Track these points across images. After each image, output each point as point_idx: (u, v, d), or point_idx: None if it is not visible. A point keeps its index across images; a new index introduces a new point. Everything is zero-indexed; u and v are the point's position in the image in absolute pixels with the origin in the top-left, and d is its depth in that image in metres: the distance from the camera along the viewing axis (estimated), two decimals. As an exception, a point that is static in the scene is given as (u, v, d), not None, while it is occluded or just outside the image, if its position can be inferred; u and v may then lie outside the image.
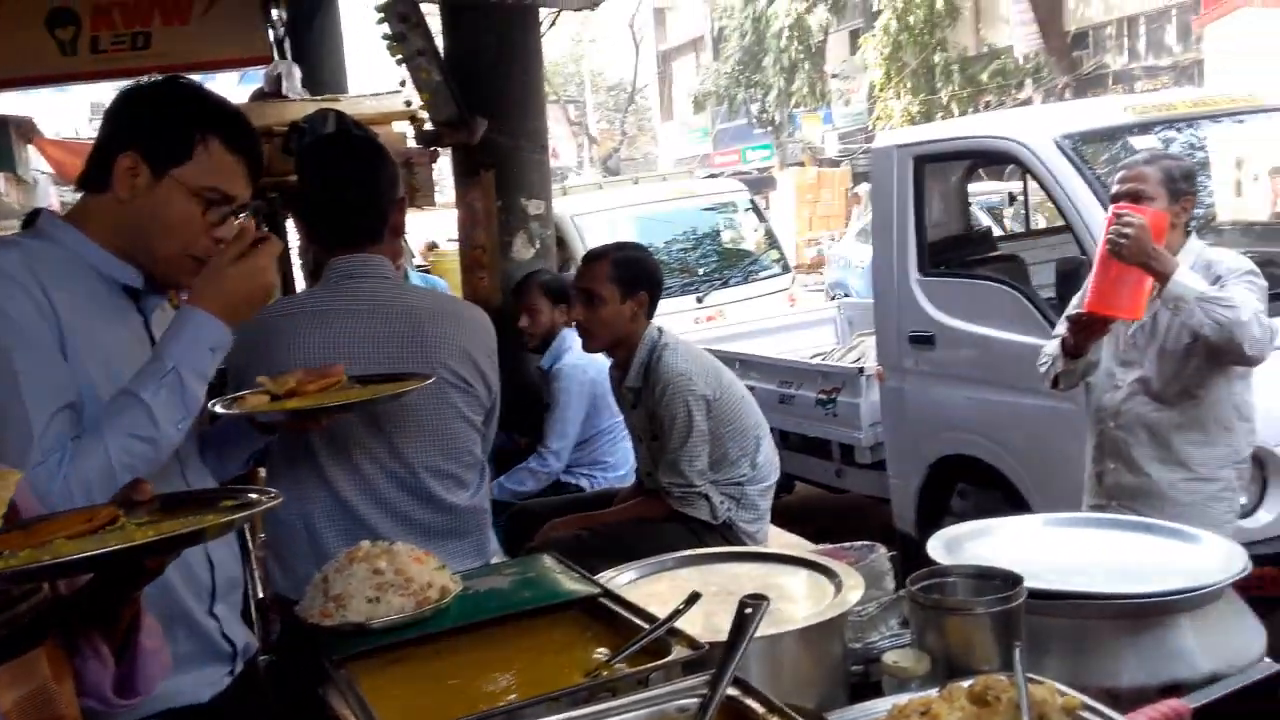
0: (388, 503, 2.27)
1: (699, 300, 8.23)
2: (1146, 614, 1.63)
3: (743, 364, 5.90)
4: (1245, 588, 1.65)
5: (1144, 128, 4.51)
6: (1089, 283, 3.08)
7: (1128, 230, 2.89)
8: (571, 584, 1.72)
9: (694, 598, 1.50)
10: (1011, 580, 1.59)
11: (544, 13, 5.25)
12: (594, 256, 3.22)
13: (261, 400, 1.87)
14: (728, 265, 9.02)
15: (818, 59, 29.13)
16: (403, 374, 2.12)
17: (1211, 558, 1.78)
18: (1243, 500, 3.68)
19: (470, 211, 4.97)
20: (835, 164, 26.94)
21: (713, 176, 13.94)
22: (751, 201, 9.76)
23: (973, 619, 1.55)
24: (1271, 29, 13.14)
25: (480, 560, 2.38)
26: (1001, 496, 4.45)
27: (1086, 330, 3.11)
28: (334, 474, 2.25)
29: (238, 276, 1.66)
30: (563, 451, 4.46)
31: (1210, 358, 3.04)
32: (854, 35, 28.47)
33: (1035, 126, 4.49)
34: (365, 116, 4.37)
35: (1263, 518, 3.76)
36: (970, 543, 1.94)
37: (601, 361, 4.62)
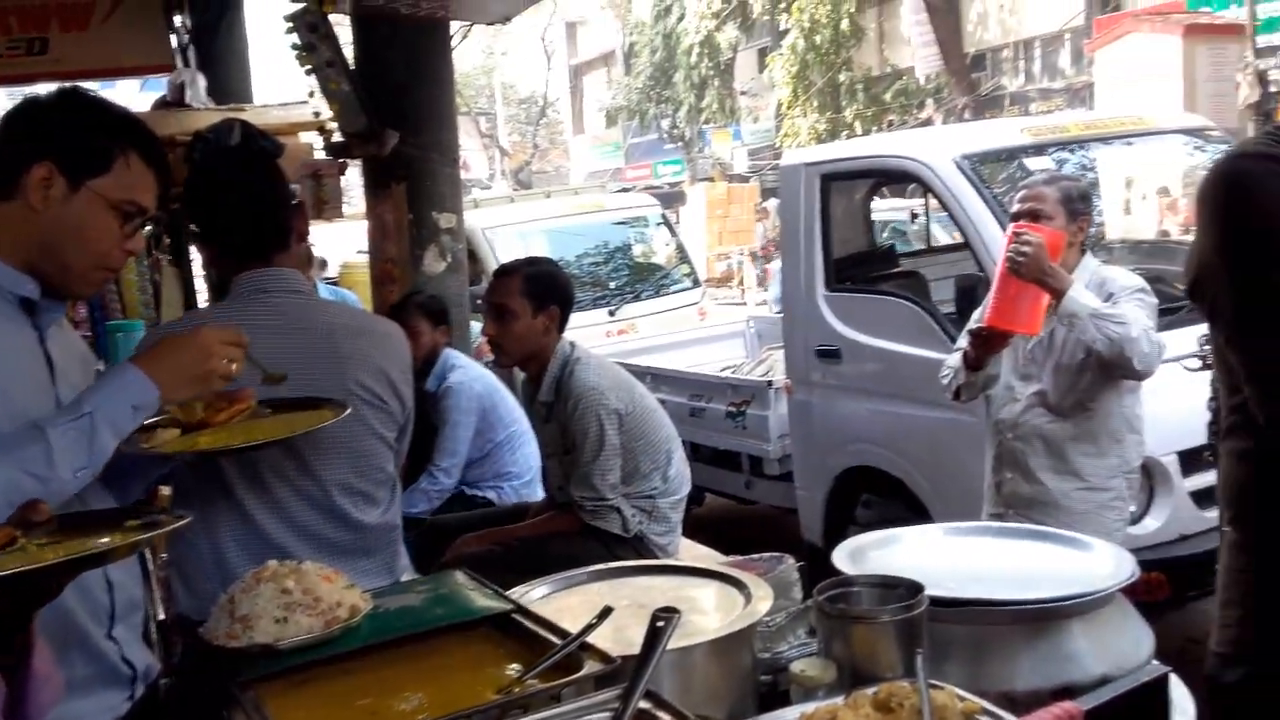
0: (296, 521, 2.23)
1: (610, 314, 8.26)
2: (1041, 619, 1.67)
3: (654, 377, 5.95)
4: (1133, 592, 1.71)
5: (1039, 149, 4.67)
6: (989, 298, 3.19)
7: (1025, 248, 2.99)
8: (483, 600, 1.72)
9: (606, 612, 1.51)
10: (914, 589, 1.62)
11: (456, 26, 5.24)
12: (505, 271, 3.22)
13: (172, 435, 1.82)
14: (639, 279, 9.07)
15: (727, 76, 29.49)
16: (316, 399, 2.08)
17: (1102, 564, 1.83)
18: (1132, 508, 3.83)
19: (381, 224, 4.93)
20: (744, 179, 27.27)
21: (624, 191, 14.01)
22: (663, 216, 9.84)
23: (877, 627, 1.58)
24: (1158, 54, 13.71)
25: (390, 578, 2.35)
26: (904, 506, 4.55)
27: (986, 344, 3.21)
28: (241, 491, 2.20)
29: (192, 350, 1.67)
30: (453, 469, 4.43)
31: (1102, 372, 3.16)
32: (762, 54, 28.89)
33: (936, 147, 4.62)
34: (272, 127, 4.28)
35: (1150, 525, 3.91)
36: (874, 552, 1.97)
37: (488, 375, 4.63)
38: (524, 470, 4.56)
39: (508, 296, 3.11)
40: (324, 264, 9.43)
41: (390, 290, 4.97)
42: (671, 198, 23.68)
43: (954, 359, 3.40)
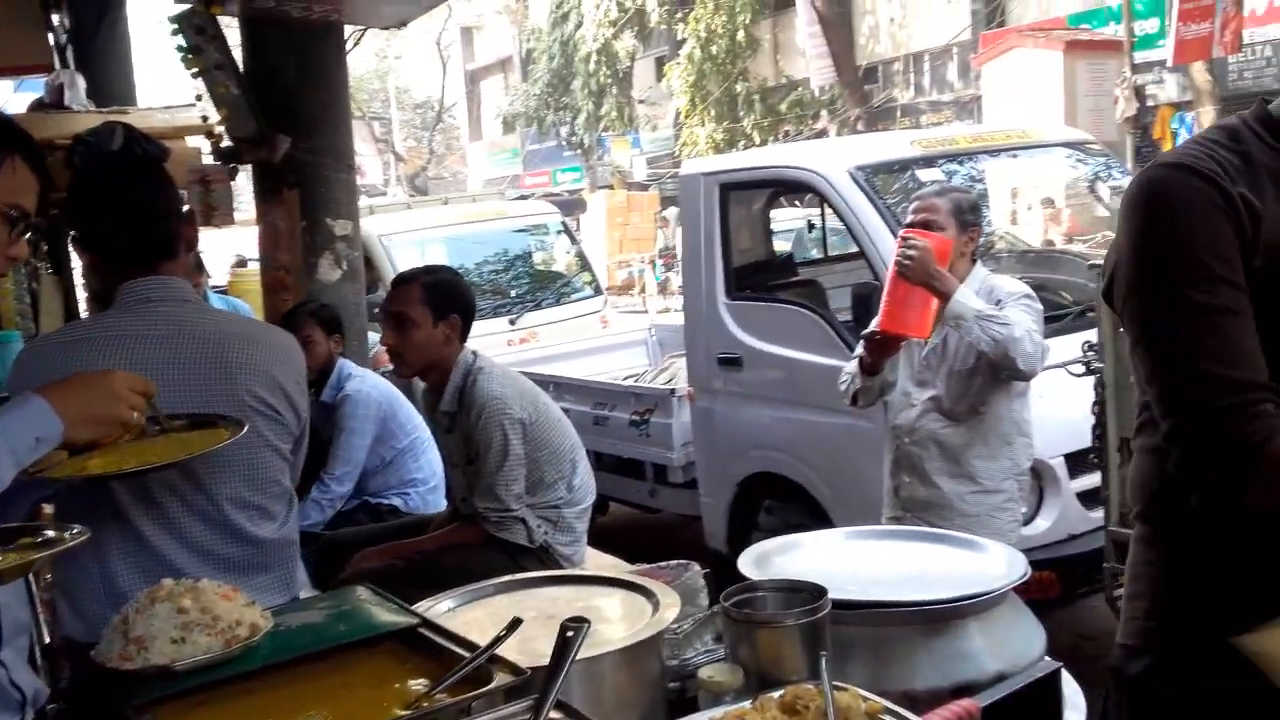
0: (189, 538, 2.16)
1: (511, 322, 8.21)
2: (938, 620, 1.70)
3: (557, 386, 5.93)
4: (1025, 591, 1.76)
5: (930, 160, 4.81)
6: (882, 304, 3.28)
7: (912, 252, 3.11)
8: (388, 615, 1.69)
9: (515, 624, 1.49)
10: (818, 593, 1.65)
11: (349, 29, 5.16)
12: (404, 280, 3.18)
13: (60, 457, 1.74)
14: (540, 287, 9.04)
15: (625, 84, 29.61)
16: (209, 416, 2.03)
17: (995, 565, 1.88)
18: (1023, 510, 3.96)
19: (273, 231, 4.82)
20: (644, 188, 27.42)
21: (523, 198, 13.92)
22: (563, 223, 9.83)
23: (782, 631, 1.60)
24: (1041, 68, 14.20)
25: (288, 595, 2.30)
26: (805, 511, 4.62)
27: (880, 348, 3.30)
28: (130, 508, 2.12)
29: (101, 392, 1.65)
30: (345, 477, 4.35)
31: (992, 376, 3.27)
32: (660, 62, 29.07)
33: (831, 158, 4.72)
34: (157, 131, 4.17)
35: (1040, 525, 4.04)
36: (779, 557, 2.00)
37: (385, 383, 4.56)
38: (429, 476, 4.51)
39: (407, 305, 3.07)
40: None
41: (283, 299, 4.87)
42: (571, 205, 23.70)
43: (851, 365, 3.48)
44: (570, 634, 1.37)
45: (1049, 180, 5.88)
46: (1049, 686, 1.64)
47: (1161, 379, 1.34)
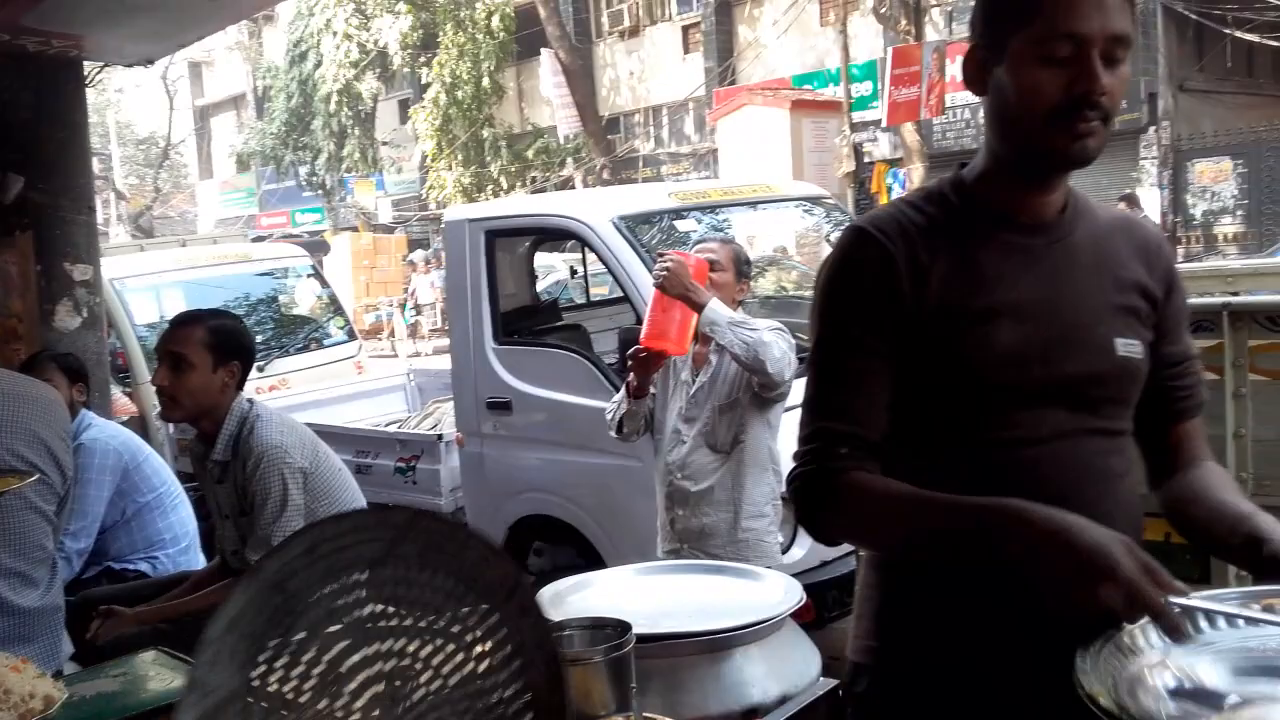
0: (-53, 610, 2.01)
1: (260, 369, 7.88)
2: (726, 647, 1.81)
3: (316, 434, 5.75)
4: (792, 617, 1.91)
5: (686, 211, 5.07)
6: (645, 323, 3.49)
7: (669, 264, 3.33)
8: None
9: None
10: (622, 628, 1.72)
11: (89, 65, 4.88)
12: (186, 320, 3.04)
13: None
14: (289, 333, 8.74)
15: (368, 125, 29.12)
16: None
17: (773, 592, 2.02)
18: (780, 539, 4.21)
19: (3, 276, 4.47)
20: (390, 230, 26.98)
21: (261, 239, 13.40)
22: (313, 267, 9.56)
23: (592, 667, 1.65)
24: (770, 125, 15.09)
25: (53, 666, 2.16)
26: (576, 551, 4.71)
27: (643, 365, 3.47)
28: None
29: None
30: (82, 532, 4.04)
31: (752, 406, 3.48)
32: (404, 105, 28.82)
33: (596, 208, 4.87)
34: None
35: (796, 553, 4.29)
36: (572, 596, 2.06)
37: (128, 433, 4.30)
38: (180, 535, 4.25)
39: (187, 346, 2.93)
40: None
41: (15, 349, 4.51)
42: (313, 247, 22.96)
43: (618, 397, 3.64)
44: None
45: (784, 231, 6.31)
46: (827, 704, 1.77)
47: (801, 412, 1.48)
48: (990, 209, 1.45)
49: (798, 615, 3.78)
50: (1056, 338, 1.41)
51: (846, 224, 1.55)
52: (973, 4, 1.48)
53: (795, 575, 4.12)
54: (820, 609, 4.13)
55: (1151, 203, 15.91)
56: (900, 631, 1.52)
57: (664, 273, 3.32)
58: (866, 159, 18.11)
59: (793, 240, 6.38)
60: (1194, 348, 1.60)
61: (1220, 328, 2.85)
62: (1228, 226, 16.62)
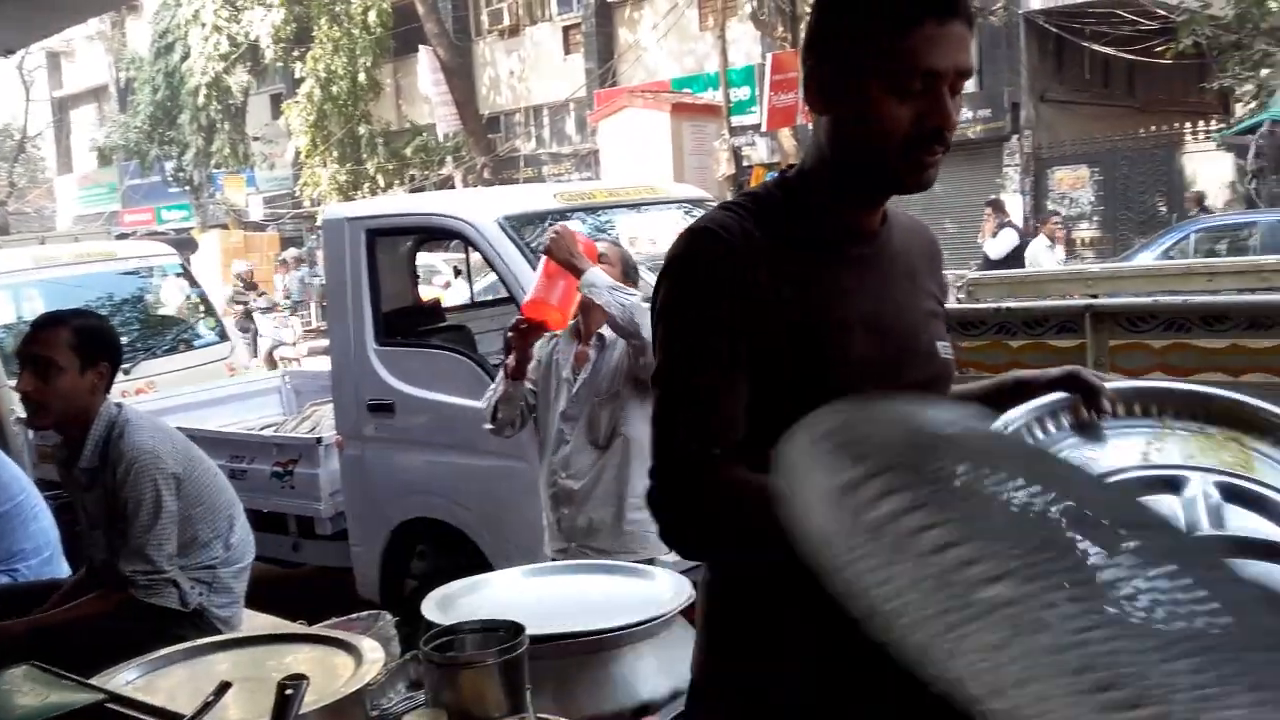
0: None
1: (125, 372, 7.55)
2: (617, 645, 1.83)
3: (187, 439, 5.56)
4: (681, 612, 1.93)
5: (571, 212, 5.07)
6: (529, 293, 3.57)
7: (558, 231, 3.43)
8: (65, 694, 1.56)
9: (223, 688, 1.45)
10: (515, 630, 1.72)
11: (-60, 52, 4.63)
12: (50, 321, 2.90)
13: None
14: (155, 334, 8.42)
15: (239, 120, 28.29)
16: None
17: (663, 589, 2.05)
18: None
19: None
20: (261, 228, 26.25)
21: (124, 237, 12.88)
22: (181, 266, 9.23)
23: (485, 670, 1.64)
24: (650, 127, 15.18)
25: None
26: (461, 554, 4.66)
27: (523, 337, 3.51)
28: None
29: None
30: None
31: (634, 395, 3.51)
32: (276, 100, 28.09)
33: (480, 208, 4.83)
34: None
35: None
36: (462, 599, 2.05)
37: None
38: (42, 546, 4.04)
39: (53, 349, 2.80)
40: None
41: None
42: (181, 245, 22.16)
43: (494, 383, 3.66)
44: (289, 691, 1.36)
45: (665, 233, 6.37)
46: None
47: (653, 426, 1.43)
48: (822, 217, 1.45)
49: (688, 611, 3.84)
50: (898, 346, 1.44)
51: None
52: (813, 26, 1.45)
53: (686, 571, 4.19)
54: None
55: (1015, 208, 16.56)
56: (727, 654, 1.50)
57: (553, 235, 3.39)
58: (745, 163, 18.37)
59: (668, 244, 6.44)
60: None
61: (1083, 329, 3.00)
62: (1085, 231, 17.40)
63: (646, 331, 3.34)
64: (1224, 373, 2.87)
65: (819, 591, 1.28)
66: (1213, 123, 17.10)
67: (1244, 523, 1.24)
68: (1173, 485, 1.31)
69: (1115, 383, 1.47)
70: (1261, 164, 12.53)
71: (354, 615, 2.08)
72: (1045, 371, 1.51)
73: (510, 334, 3.53)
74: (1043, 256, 11.72)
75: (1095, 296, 3.80)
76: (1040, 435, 1.43)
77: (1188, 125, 17.04)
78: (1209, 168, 16.65)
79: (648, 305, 3.31)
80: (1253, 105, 15.61)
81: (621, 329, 3.38)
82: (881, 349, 1.41)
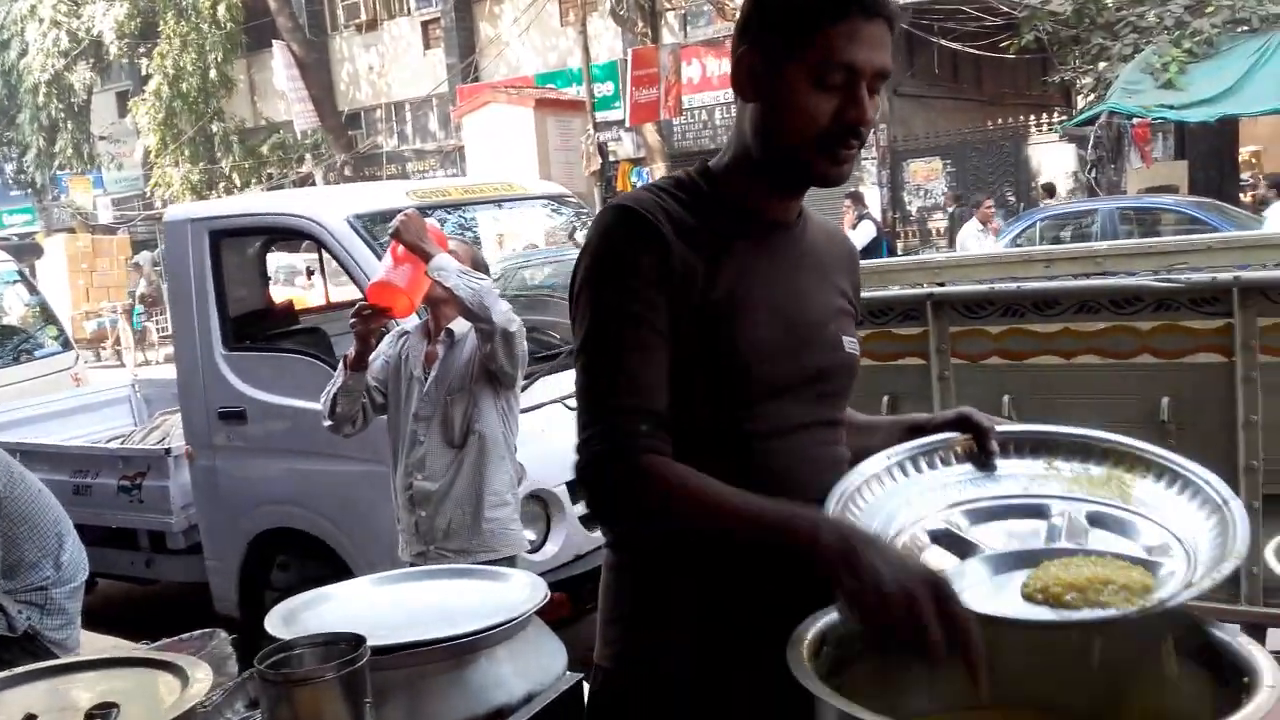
0: None
1: (-42, 385, 7.16)
2: (469, 651, 1.79)
3: (25, 455, 5.24)
4: (542, 613, 1.91)
5: (424, 210, 4.96)
6: (376, 278, 3.49)
7: (407, 215, 3.39)
8: None
9: (29, 720, 1.36)
10: (355, 642, 1.66)
11: None
12: None
13: None
14: (-7, 345, 8.00)
15: (83, 119, 27.04)
16: None
17: (518, 591, 2.02)
18: (532, 536, 4.21)
19: None
20: (111, 231, 25.15)
21: (-41, 243, 12.14)
22: (19, 272, 8.79)
23: (323, 686, 1.59)
24: (515, 123, 15.11)
25: None
26: (323, 563, 4.52)
27: (366, 323, 3.42)
28: None
29: None
30: None
31: (486, 389, 3.46)
32: (123, 97, 26.99)
33: (329, 206, 4.69)
34: None
35: (550, 550, 4.32)
36: (307, 612, 1.97)
37: None
38: None
39: None
40: None
41: None
42: (23, 250, 21.07)
43: (335, 375, 3.57)
44: (99, 720, 1.28)
45: (533, 228, 6.32)
46: (572, 699, 1.79)
47: (579, 399, 1.45)
48: (740, 204, 1.49)
49: (553, 611, 3.78)
50: (802, 333, 1.48)
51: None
52: (739, 11, 1.49)
53: (550, 571, 4.16)
54: (577, 603, 4.17)
55: (873, 200, 17.03)
56: (642, 636, 1.52)
57: (403, 218, 3.34)
58: (611, 158, 18.43)
59: (542, 239, 6.39)
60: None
61: (925, 316, 3.08)
62: (939, 222, 17.98)
63: (497, 316, 3.31)
64: (1058, 355, 2.99)
65: (731, 569, 1.32)
66: (1056, 115, 17.90)
67: (1103, 544, 1.31)
68: (1041, 511, 1.40)
69: (1005, 426, 1.54)
70: (1100, 153, 13.15)
71: (186, 635, 1.98)
72: (941, 414, 1.60)
73: (353, 320, 3.43)
74: (972, 241, 11.88)
75: (942, 284, 3.91)
76: (929, 470, 1.51)
77: (1033, 118, 17.80)
78: (1053, 158, 17.43)
79: (499, 296, 3.29)
80: (1091, 97, 16.39)
81: (471, 313, 3.33)
82: (785, 332, 1.45)
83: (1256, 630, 2.90)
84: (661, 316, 1.40)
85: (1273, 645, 2.93)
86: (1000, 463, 1.50)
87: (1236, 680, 1.12)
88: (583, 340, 1.43)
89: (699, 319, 1.41)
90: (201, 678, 1.64)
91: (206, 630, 2.01)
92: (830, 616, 1.31)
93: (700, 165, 1.55)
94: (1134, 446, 1.44)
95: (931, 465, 1.51)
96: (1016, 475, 1.47)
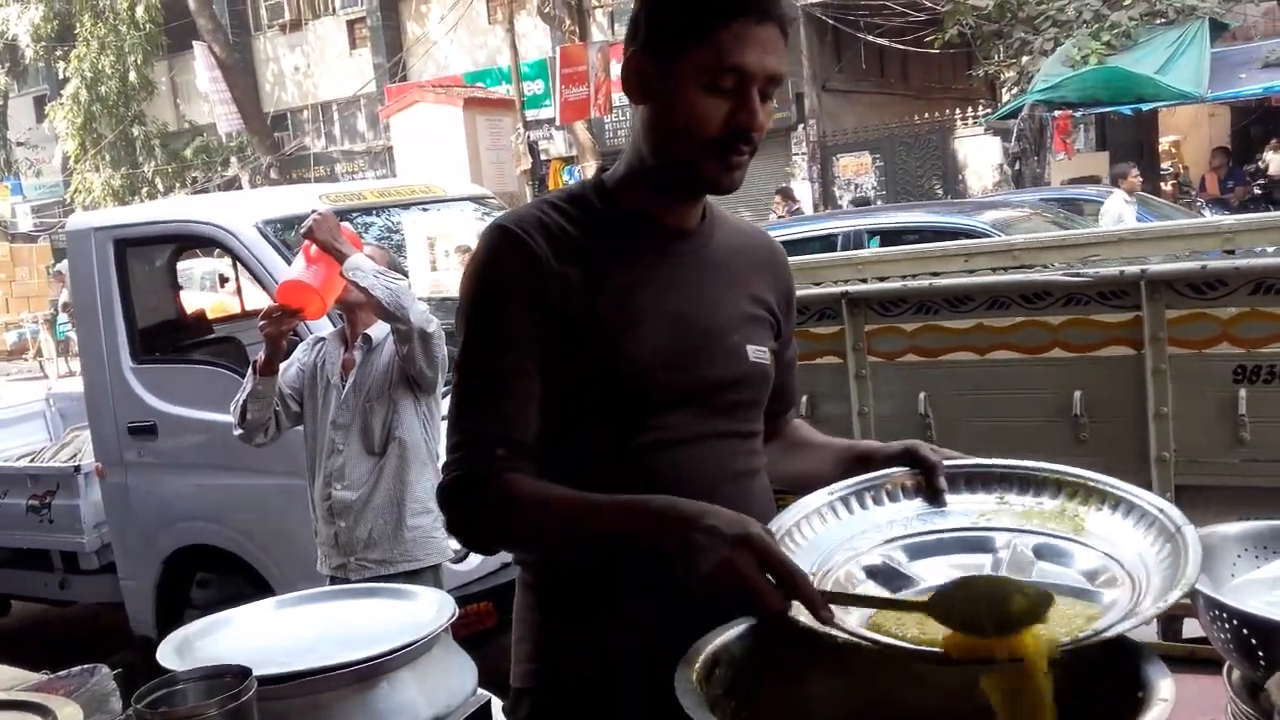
0: None
1: None
2: (373, 675, 1.73)
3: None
4: (466, 626, 1.85)
5: (340, 214, 4.85)
6: (285, 279, 3.41)
7: (320, 214, 3.34)
8: None
9: None
10: (242, 674, 1.60)
11: None
12: None
13: None
14: (-104, 361, 7.69)
15: (-1, 125, 26.32)
16: None
17: (426, 610, 1.96)
18: (455, 545, 4.14)
19: None
20: (31, 239, 24.52)
21: None
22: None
23: (204, 724, 1.53)
24: (444, 122, 14.93)
25: None
26: (244, 580, 4.41)
27: (276, 325, 3.34)
28: None
29: None
30: None
31: (405, 394, 3.39)
32: (40, 102, 26.33)
33: (237, 212, 4.57)
34: None
35: (475, 559, 4.23)
36: (202, 641, 1.89)
37: None
38: None
39: None
40: None
41: None
42: (-66, 262, 20.45)
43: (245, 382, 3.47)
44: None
45: (461, 229, 6.23)
46: (483, 717, 1.74)
47: (448, 422, 1.44)
48: (634, 214, 1.46)
49: (478, 622, 3.70)
50: (694, 344, 1.44)
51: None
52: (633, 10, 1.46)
53: (476, 580, 4.07)
54: (504, 612, 4.10)
55: (804, 195, 17.14)
56: (557, 654, 1.50)
57: (316, 217, 3.28)
58: (543, 157, 18.34)
59: (474, 242, 6.30)
60: (796, 352, 1.71)
61: (841, 315, 3.07)
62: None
63: (414, 316, 3.25)
64: (972, 351, 2.99)
65: (630, 583, 1.33)
66: (980, 108, 18.16)
67: (1046, 575, 1.30)
68: (985, 545, 1.38)
69: (954, 460, 1.50)
70: (1023, 145, 13.33)
71: (64, 672, 1.88)
72: (889, 445, 1.54)
73: (262, 322, 3.33)
74: (1123, 211, 11.71)
75: (865, 281, 3.90)
76: (874, 505, 1.47)
77: (958, 111, 18.04)
78: (979, 151, 17.68)
79: (416, 298, 3.21)
80: (1015, 90, 16.64)
81: (388, 314, 3.26)
82: (680, 342, 1.42)
83: (1174, 621, 2.93)
84: (533, 341, 1.38)
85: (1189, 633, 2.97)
86: (950, 498, 1.46)
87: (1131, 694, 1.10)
88: (456, 364, 1.44)
89: (585, 334, 1.39)
90: (69, 718, 1.56)
91: (87, 667, 1.90)
92: (730, 633, 1.28)
93: (595, 176, 1.52)
94: (1087, 478, 1.42)
95: (878, 501, 1.47)
96: (967, 510, 1.44)
